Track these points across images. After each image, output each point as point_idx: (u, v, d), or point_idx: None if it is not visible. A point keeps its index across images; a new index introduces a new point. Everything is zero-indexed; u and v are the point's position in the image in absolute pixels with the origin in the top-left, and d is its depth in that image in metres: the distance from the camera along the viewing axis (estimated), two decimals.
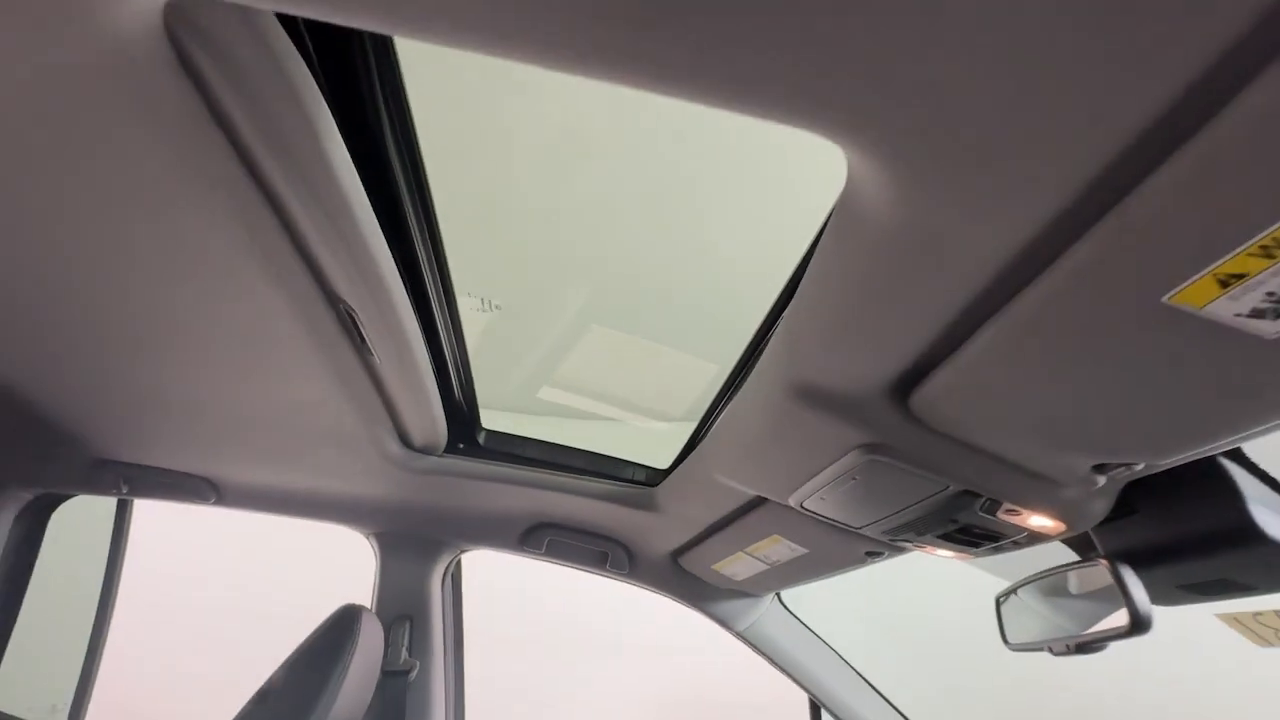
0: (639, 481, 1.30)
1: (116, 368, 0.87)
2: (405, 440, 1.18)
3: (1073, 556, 0.88)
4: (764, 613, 1.55)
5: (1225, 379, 0.46)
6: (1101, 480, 0.66)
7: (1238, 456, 0.67)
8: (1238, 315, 0.41)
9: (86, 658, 1.49)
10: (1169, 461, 0.60)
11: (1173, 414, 0.53)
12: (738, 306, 0.95)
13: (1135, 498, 0.74)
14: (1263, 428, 0.50)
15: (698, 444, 1.05)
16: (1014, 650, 0.92)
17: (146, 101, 0.46)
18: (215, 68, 0.45)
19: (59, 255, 0.62)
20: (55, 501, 1.45)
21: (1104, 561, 0.71)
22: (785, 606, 1.59)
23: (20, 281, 0.66)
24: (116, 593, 1.56)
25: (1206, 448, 0.56)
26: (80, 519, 1.51)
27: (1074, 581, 0.79)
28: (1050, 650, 0.83)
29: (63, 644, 1.49)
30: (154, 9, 0.40)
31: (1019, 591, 0.90)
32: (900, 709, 1.56)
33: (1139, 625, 0.67)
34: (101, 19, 0.39)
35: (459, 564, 1.60)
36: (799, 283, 0.62)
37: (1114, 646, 0.75)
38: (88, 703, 1.46)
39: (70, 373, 0.90)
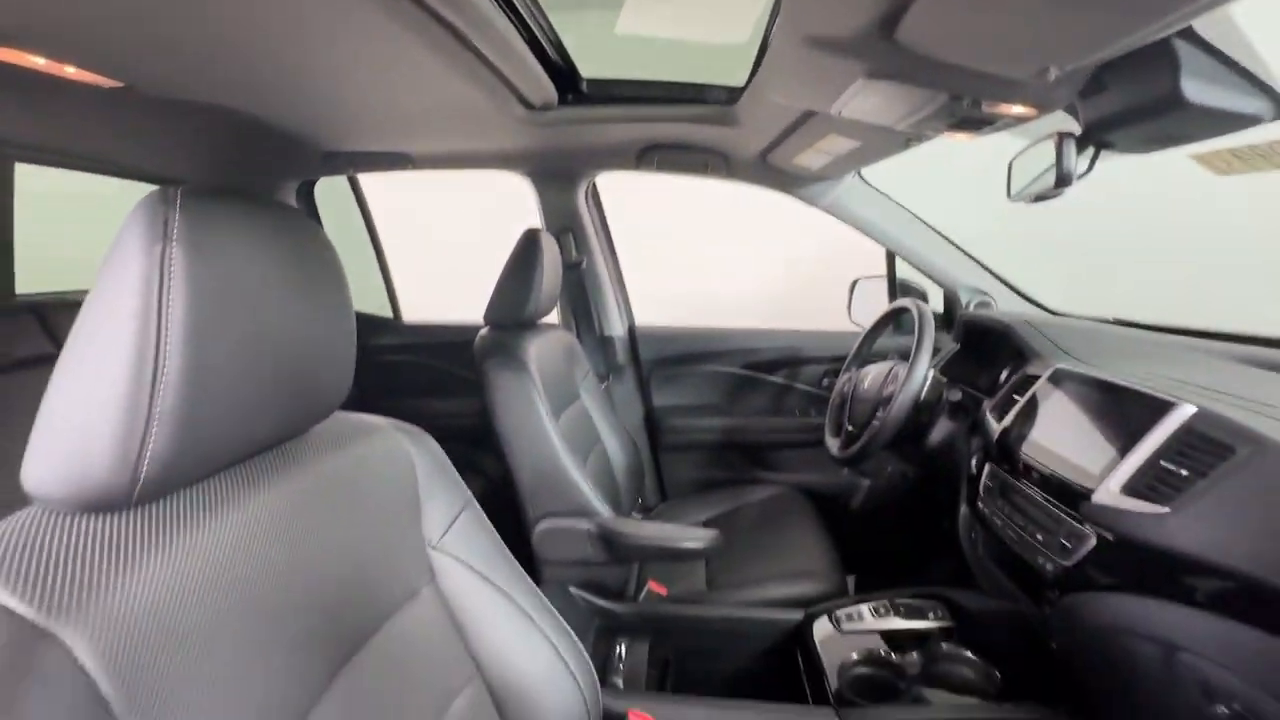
0: (721, 101, 1.52)
1: (332, 89, 1.25)
2: (525, 102, 1.48)
3: None
4: (845, 190, 1.86)
5: (1099, 7, 0.62)
6: (1053, 75, 0.82)
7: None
8: None
9: (382, 275, 2.31)
10: (1092, 59, 0.75)
11: (1074, 28, 0.68)
12: None
13: (1106, 76, 0.88)
14: (1137, 34, 0.66)
15: (758, 71, 1.24)
16: (1012, 200, 1.19)
17: None
18: None
19: (295, 34, 0.95)
20: (313, 183, 2.05)
21: (1055, 137, 0.92)
22: (865, 181, 1.87)
23: (268, 49, 1.02)
24: (377, 231, 2.29)
25: (1107, 50, 0.71)
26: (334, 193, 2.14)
27: (1047, 150, 1.00)
28: (1025, 200, 1.10)
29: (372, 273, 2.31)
30: None
31: (1020, 156, 1.12)
32: (963, 247, 1.92)
33: (1062, 181, 0.91)
34: None
35: (594, 185, 2.04)
36: None
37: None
38: (398, 303, 2.33)
39: (305, 101, 1.32)
